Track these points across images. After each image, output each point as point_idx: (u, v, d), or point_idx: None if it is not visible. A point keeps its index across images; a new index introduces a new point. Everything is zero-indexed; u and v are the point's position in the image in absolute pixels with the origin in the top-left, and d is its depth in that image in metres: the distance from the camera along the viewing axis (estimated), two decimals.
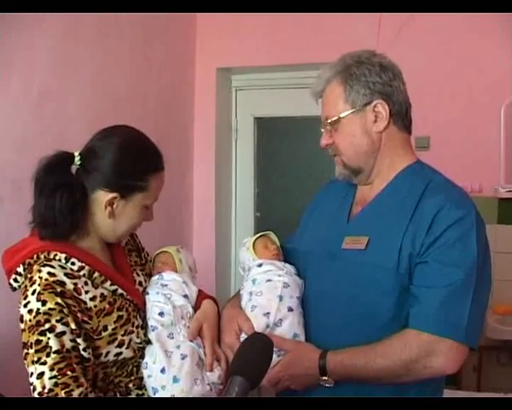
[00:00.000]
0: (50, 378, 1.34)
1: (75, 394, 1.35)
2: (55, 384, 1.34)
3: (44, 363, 1.35)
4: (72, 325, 1.39)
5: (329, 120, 1.65)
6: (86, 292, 1.45)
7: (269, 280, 1.67)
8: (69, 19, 2.59)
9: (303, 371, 1.57)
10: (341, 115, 1.63)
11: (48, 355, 1.35)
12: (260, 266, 1.73)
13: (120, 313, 1.51)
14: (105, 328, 1.46)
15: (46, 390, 1.34)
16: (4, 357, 2.16)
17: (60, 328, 1.37)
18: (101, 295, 1.49)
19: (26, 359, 1.39)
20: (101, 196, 1.51)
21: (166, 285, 1.66)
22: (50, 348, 1.36)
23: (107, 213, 1.52)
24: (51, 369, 1.34)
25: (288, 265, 1.74)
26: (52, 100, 2.52)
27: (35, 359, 1.36)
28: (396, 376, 1.51)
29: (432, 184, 1.60)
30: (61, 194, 1.46)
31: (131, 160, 1.53)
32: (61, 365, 1.35)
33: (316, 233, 1.78)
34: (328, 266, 1.66)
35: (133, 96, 3.16)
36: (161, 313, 1.58)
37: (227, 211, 4.06)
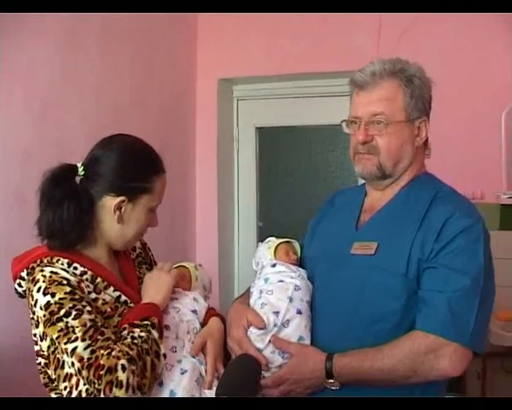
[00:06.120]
0: (85, 348, 1.34)
1: (116, 351, 1.34)
2: (92, 352, 1.33)
3: (75, 339, 1.34)
4: (88, 307, 1.40)
5: (381, 118, 1.64)
6: (89, 293, 1.46)
7: (281, 281, 1.69)
8: (71, 30, 2.61)
9: (308, 374, 1.57)
10: (397, 119, 1.65)
11: (74, 332, 1.35)
12: (274, 266, 1.75)
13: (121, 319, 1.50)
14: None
15: (86, 360, 1.33)
16: (9, 368, 2.17)
17: (75, 312, 1.37)
18: (103, 300, 1.49)
19: (53, 364, 1.39)
20: (109, 202, 1.53)
21: (176, 299, 1.66)
22: (72, 326, 1.36)
23: (116, 218, 1.53)
24: (83, 339, 1.34)
25: (301, 269, 1.76)
26: (54, 111, 2.53)
27: (63, 345, 1.35)
28: (402, 377, 1.53)
29: (440, 194, 1.66)
30: (68, 204, 1.48)
31: (134, 162, 1.56)
32: (90, 332, 1.36)
33: (323, 241, 1.81)
34: (336, 271, 1.68)
35: (135, 106, 3.17)
36: (167, 326, 1.57)
37: (229, 221, 4.06)
